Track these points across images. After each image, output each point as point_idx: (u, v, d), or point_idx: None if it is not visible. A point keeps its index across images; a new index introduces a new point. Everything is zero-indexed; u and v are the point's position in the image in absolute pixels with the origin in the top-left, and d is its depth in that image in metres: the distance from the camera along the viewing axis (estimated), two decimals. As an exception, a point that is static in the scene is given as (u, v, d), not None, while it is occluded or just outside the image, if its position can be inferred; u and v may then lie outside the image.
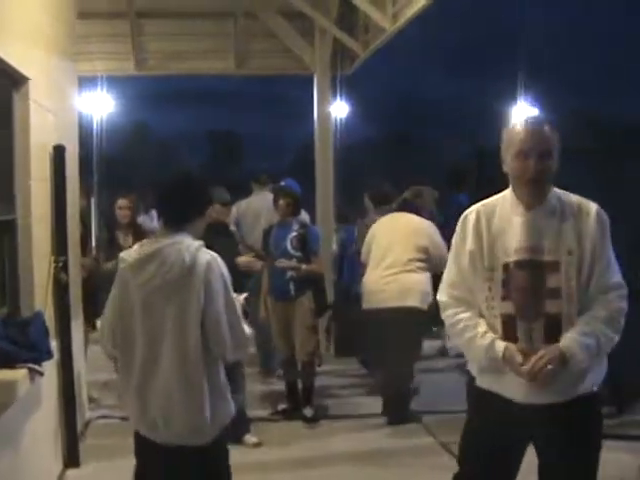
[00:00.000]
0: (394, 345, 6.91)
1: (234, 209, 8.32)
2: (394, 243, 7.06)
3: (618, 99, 51.36)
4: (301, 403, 7.15)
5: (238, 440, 6.24)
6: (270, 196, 7.68)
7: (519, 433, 3.30)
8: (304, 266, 6.98)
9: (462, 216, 3.40)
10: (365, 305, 7.18)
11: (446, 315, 3.36)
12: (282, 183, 8.34)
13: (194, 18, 10.47)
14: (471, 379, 3.49)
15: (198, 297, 3.53)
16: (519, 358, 3.11)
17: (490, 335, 3.18)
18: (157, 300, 3.58)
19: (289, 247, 6.99)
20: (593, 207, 3.26)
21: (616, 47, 60.52)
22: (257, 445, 6.38)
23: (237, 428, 6.22)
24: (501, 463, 3.35)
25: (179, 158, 48.89)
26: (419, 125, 52.15)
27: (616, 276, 3.29)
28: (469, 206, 3.49)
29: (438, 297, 3.44)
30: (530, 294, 3.14)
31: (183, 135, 50.85)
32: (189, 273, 3.54)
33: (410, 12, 7.80)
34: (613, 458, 5.66)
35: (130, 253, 3.70)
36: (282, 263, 6.92)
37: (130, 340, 3.65)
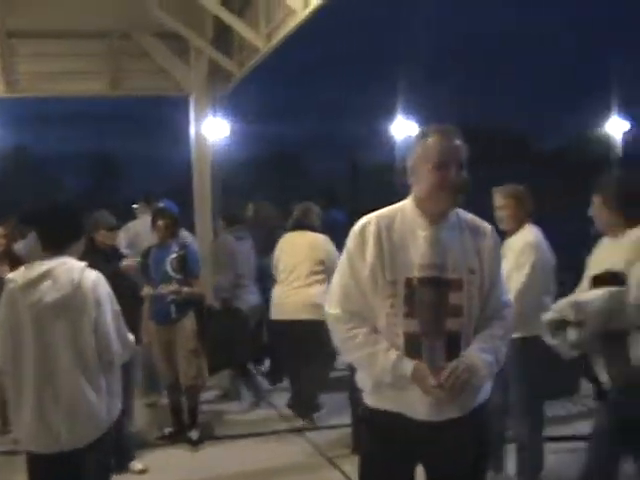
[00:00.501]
0: (299, 357, 7.39)
1: (121, 233, 8.17)
2: (296, 259, 7.50)
3: (487, 108, 53.19)
4: (186, 426, 7.07)
5: (124, 467, 6.12)
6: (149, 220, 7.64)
7: (414, 453, 3.25)
8: (185, 289, 6.91)
9: (358, 226, 3.19)
10: (272, 317, 7.73)
11: (339, 329, 3.18)
12: (160, 204, 8.26)
13: (67, 38, 10.25)
14: (360, 400, 3.35)
15: (89, 312, 3.94)
16: (430, 376, 3.05)
17: (394, 352, 3.08)
18: (49, 318, 3.90)
19: (169, 269, 6.91)
20: (488, 226, 3.30)
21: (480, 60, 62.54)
22: (142, 472, 6.27)
23: (122, 456, 6.12)
24: None
25: (59, 182, 47.68)
26: (300, 144, 52.57)
27: (507, 294, 3.41)
28: (347, 220, 3.46)
29: (327, 309, 3.23)
30: (434, 312, 3.09)
31: (63, 158, 49.60)
32: (78, 291, 3.92)
33: (284, 31, 7.88)
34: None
35: (18, 274, 3.98)
36: (164, 289, 6.83)
37: (19, 359, 3.93)
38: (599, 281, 4.21)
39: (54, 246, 4.07)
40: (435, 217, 3.15)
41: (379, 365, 3.08)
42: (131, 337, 4.27)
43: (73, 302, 3.94)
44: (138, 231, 8.68)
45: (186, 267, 6.95)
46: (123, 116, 46.42)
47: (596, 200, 4.51)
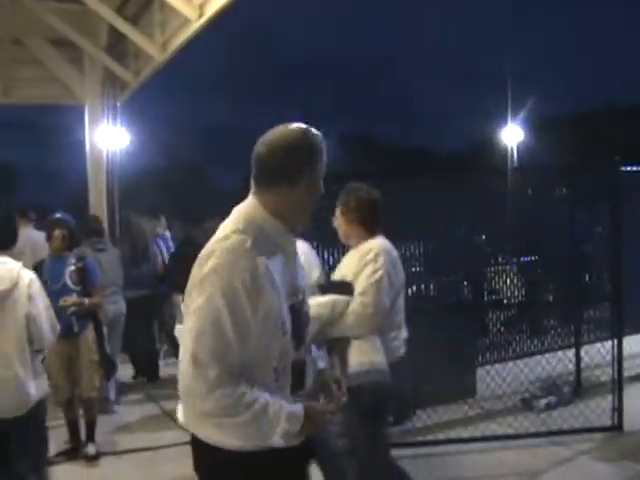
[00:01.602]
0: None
1: None
2: None
3: (393, 123, 54.04)
4: (83, 441, 6.91)
5: None
6: (35, 232, 7.54)
7: None
8: (87, 300, 6.78)
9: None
10: None
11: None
12: (57, 215, 8.09)
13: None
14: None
15: (24, 305, 4.59)
16: (320, 404, 2.73)
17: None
18: None
19: (69, 282, 6.75)
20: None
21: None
22: None
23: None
24: None
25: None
26: (203, 153, 52.26)
27: None
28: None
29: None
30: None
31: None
32: (16, 287, 4.56)
33: (179, 41, 7.85)
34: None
35: None
36: (66, 302, 6.66)
37: None
38: (333, 288, 4.29)
39: None
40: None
41: (273, 420, 2.51)
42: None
43: (12, 296, 4.55)
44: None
45: (86, 278, 6.84)
46: (16, 124, 45.15)
47: (337, 211, 4.49)
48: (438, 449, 6.40)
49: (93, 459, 6.76)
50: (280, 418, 2.49)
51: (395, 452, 6.30)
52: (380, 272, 4.21)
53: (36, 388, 4.68)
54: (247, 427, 2.46)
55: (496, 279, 8.91)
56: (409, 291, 7.74)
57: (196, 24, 7.31)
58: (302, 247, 4.11)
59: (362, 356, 4.12)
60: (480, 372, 7.91)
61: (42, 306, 4.74)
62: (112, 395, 8.24)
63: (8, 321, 4.55)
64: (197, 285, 2.46)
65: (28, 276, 4.70)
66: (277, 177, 2.56)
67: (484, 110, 43.19)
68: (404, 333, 4.55)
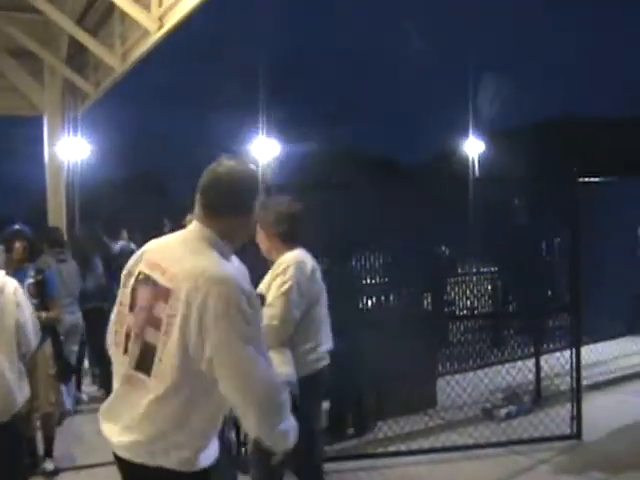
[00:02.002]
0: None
1: None
2: None
3: (359, 132, 54.21)
4: (40, 457, 6.81)
5: None
6: None
7: None
8: (44, 314, 6.67)
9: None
10: None
11: None
12: (16, 226, 8.00)
13: None
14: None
15: (11, 311, 4.69)
16: None
17: None
18: None
19: (26, 294, 6.66)
20: None
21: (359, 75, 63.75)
22: None
23: None
24: None
25: None
26: (161, 164, 51.93)
27: None
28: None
29: None
30: None
31: None
32: (2, 294, 4.67)
33: (139, 52, 7.83)
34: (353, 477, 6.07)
35: None
36: None
37: None
38: None
39: None
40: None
41: None
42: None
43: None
44: None
45: (44, 291, 6.75)
46: (-25, 135, 44.59)
47: (258, 227, 4.46)
48: (399, 460, 6.42)
49: (51, 475, 6.67)
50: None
51: (356, 463, 6.38)
52: (288, 284, 4.25)
53: (21, 394, 4.80)
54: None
55: (456, 290, 8.97)
56: (369, 302, 7.78)
57: (156, 35, 7.31)
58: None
59: None
60: (440, 382, 7.95)
61: (28, 313, 4.91)
62: (69, 405, 8.15)
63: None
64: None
65: (13, 284, 4.83)
66: (232, 207, 2.82)
67: (448, 121, 43.51)
68: (326, 345, 4.51)
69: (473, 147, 32.48)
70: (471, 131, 33.27)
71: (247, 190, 2.84)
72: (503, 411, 7.42)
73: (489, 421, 7.28)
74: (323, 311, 4.50)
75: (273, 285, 4.29)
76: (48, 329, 6.75)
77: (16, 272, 6.67)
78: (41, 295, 6.70)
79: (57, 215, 9.84)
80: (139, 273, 2.81)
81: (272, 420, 2.65)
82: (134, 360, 2.74)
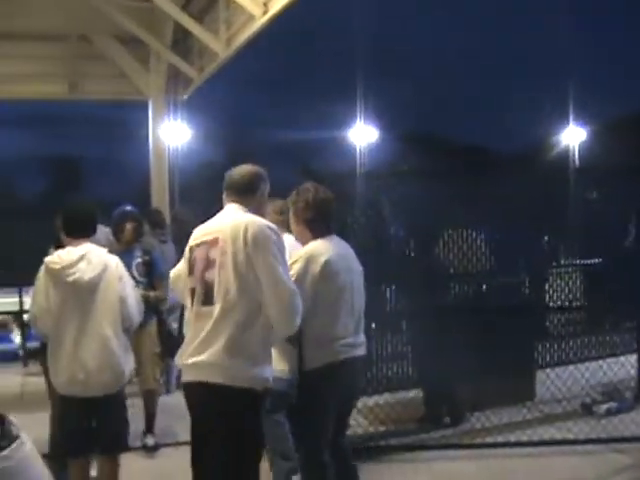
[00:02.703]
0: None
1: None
2: None
3: (455, 119, 53.55)
4: (142, 432, 6.98)
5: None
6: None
7: None
8: (152, 293, 6.81)
9: (276, 231, 3.77)
10: None
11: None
12: (127, 207, 8.13)
13: (26, 40, 10.14)
14: None
15: (115, 286, 4.90)
16: None
17: None
18: (86, 290, 4.78)
19: (135, 274, 6.78)
20: None
21: (450, 66, 63.02)
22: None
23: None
24: None
25: (13, 185, 47.08)
26: (263, 148, 52.49)
27: None
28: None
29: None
30: None
31: (19, 161, 48.85)
32: (107, 269, 4.89)
33: (243, 37, 7.90)
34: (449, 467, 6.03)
35: (57, 258, 4.84)
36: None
37: (62, 322, 4.78)
38: None
39: (82, 236, 4.96)
40: None
41: None
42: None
43: (104, 279, 4.86)
44: None
45: (151, 271, 6.88)
46: (81, 119, 45.92)
47: (291, 213, 4.57)
48: (496, 452, 6.34)
49: (152, 450, 6.83)
50: None
51: (453, 453, 6.34)
52: (292, 279, 4.09)
53: (127, 367, 5.00)
54: None
55: (558, 281, 8.78)
56: (470, 291, 7.69)
57: (260, 20, 7.36)
58: (288, 240, 4.56)
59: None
60: (540, 375, 7.81)
61: (129, 288, 5.08)
62: (173, 380, 8.33)
63: (104, 303, 4.86)
64: None
65: (114, 260, 5.03)
66: (249, 189, 4.00)
67: (546, 110, 42.50)
68: (352, 338, 4.40)
69: (573, 136, 31.62)
70: (571, 119, 32.39)
71: (254, 178, 4.01)
72: (603, 407, 7.24)
73: (588, 417, 7.11)
74: (346, 305, 4.39)
75: None
76: (154, 308, 6.91)
77: (124, 252, 6.83)
78: (148, 275, 6.86)
79: (160, 197, 10.05)
80: (191, 247, 3.92)
81: (297, 317, 3.66)
82: (200, 299, 3.69)
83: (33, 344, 8.44)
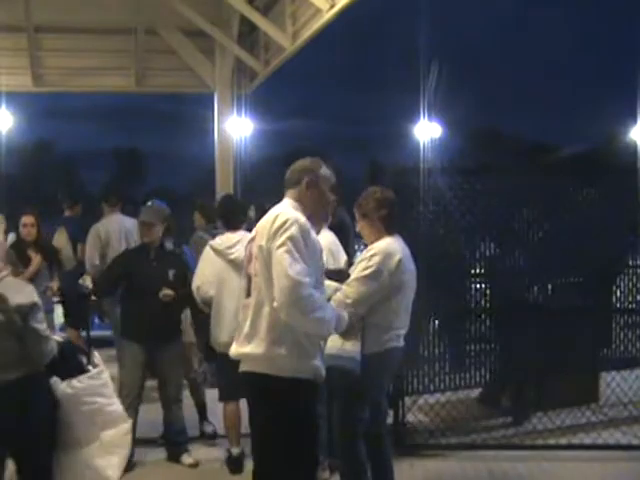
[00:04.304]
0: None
1: (91, 235, 8.16)
2: None
3: (523, 116, 52.86)
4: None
5: (177, 459, 6.09)
6: (121, 218, 7.83)
7: None
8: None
9: (301, 218, 3.71)
10: None
11: (313, 292, 3.63)
12: (149, 203, 8.12)
13: (94, 34, 10.30)
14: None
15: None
16: None
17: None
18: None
19: None
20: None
21: (518, 64, 62.20)
22: (193, 465, 6.23)
23: (177, 447, 6.14)
24: None
25: (82, 176, 48.04)
26: (321, 142, 52.57)
27: None
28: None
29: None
30: None
31: (87, 152, 49.86)
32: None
33: (309, 31, 7.90)
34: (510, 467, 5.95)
35: (220, 242, 5.83)
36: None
37: (222, 294, 5.70)
38: (329, 274, 4.60)
39: (236, 226, 5.85)
40: (322, 226, 4.13)
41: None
42: None
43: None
44: (109, 230, 8.44)
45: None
46: (148, 112, 46.65)
47: (357, 215, 4.91)
48: (558, 454, 6.24)
49: (211, 437, 6.87)
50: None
51: (514, 453, 6.25)
52: (370, 269, 4.60)
53: None
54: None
55: (625, 282, 8.58)
56: (535, 289, 7.57)
57: (327, 14, 7.34)
58: (329, 237, 5.48)
59: (334, 341, 4.50)
60: (605, 377, 7.64)
61: None
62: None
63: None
64: None
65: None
66: (292, 182, 4.02)
67: (615, 108, 41.71)
68: (400, 330, 4.77)
69: (641, 132, 30.91)
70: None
71: (298, 170, 3.98)
72: (670, 412, 7.07)
73: (655, 422, 6.95)
74: (405, 300, 4.76)
75: (357, 267, 4.70)
76: (188, 300, 6.94)
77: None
78: None
79: (225, 190, 10.07)
80: (248, 242, 3.99)
81: (298, 306, 3.53)
82: (244, 292, 3.87)
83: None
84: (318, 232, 3.96)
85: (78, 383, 4.52)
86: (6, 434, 4.17)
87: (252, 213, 9.02)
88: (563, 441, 6.40)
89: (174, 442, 6.17)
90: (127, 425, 4.82)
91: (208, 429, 6.94)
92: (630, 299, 8.23)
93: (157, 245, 6.26)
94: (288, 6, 8.56)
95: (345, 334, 4.45)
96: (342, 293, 4.58)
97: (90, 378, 4.58)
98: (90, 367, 4.68)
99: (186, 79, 10.75)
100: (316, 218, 3.89)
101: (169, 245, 6.94)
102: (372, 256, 4.63)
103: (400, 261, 4.64)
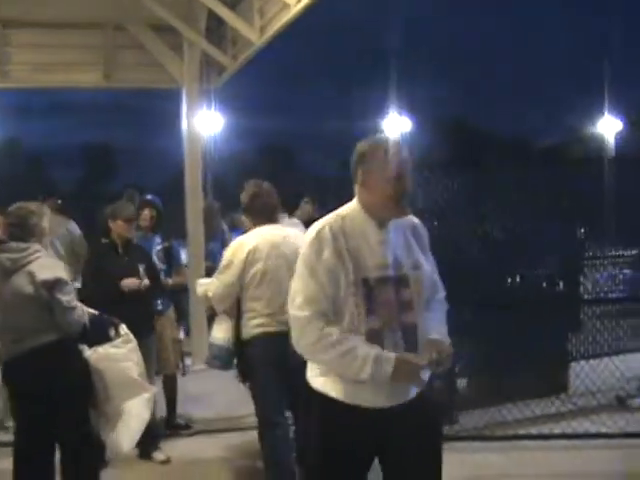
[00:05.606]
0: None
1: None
2: None
3: (490, 111, 53.19)
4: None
5: (148, 456, 6.16)
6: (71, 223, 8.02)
7: (372, 444, 3.30)
8: (170, 280, 6.94)
9: (313, 231, 3.29)
10: None
11: (310, 328, 3.18)
12: (148, 196, 8.32)
13: (61, 29, 10.18)
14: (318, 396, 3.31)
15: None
16: (414, 358, 3.16)
17: (372, 346, 3.14)
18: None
19: (156, 260, 6.91)
20: (418, 220, 3.49)
21: (485, 58, 62.56)
22: (165, 462, 6.24)
23: (150, 443, 6.14)
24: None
25: (51, 173, 47.60)
26: (292, 138, 52.53)
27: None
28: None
29: (295, 312, 3.23)
30: (391, 307, 3.23)
31: (56, 149, 49.33)
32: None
33: (277, 25, 7.89)
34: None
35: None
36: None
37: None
38: None
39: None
40: (386, 221, 3.31)
41: (359, 359, 3.11)
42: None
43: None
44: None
45: (172, 259, 7.07)
46: (116, 108, 46.24)
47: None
48: (528, 444, 6.31)
49: (186, 429, 6.94)
50: (368, 359, 3.09)
51: (485, 444, 6.31)
52: (222, 263, 5.23)
53: None
54: (336, 362, 3.17)
55: (593, 272, 8.68)
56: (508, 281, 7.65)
57: (295, 9, 7.34)
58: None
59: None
60: (574, 367, 7.73)
61: None
62: (188, 361, 8.59)
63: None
64: None
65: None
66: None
67: (581, 101, 42.09)
68: (276, 316, 4.97)
69: (609, 127, 31.27)
70: (607, 109, 32.06)
71: (353, 162, 3.35)
72: (638, 400, 7.17)
73: (623, 410, 7.04)
74: (274, 285, 5.05)
75: None
76: (173, 294, 7.03)
77: (142, 239, 6.91)
78: (168, 262, 7.00)
79: (194, 187, 10.04)
80: None
81: (302, 332, 3.20)
82: None
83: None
84: None
85: (102, 350, 4.96)
86: (40, 392, 4.74)
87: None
88: (533, 431, 6.48)
89: (145, 439, 6.17)
90: (148, 395, 5.14)
91: (182, 421, 6.99)
92: (597, 290, 8.34)
93: (125, 240, 6.27)
94: (256, 0, 8.54)
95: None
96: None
97: (114, 347, 5.00)
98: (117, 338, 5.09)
99: (155, 74, 10.66)
100: None
101: (158, 240, 7.06)
102: (226, 250, 5.28)
103: (253, 250, 5.09)
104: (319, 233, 3.27)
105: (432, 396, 3.52)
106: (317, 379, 3.33)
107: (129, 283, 6.03)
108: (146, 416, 5.11)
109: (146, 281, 6.10)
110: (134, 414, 5.01)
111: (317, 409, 3.35)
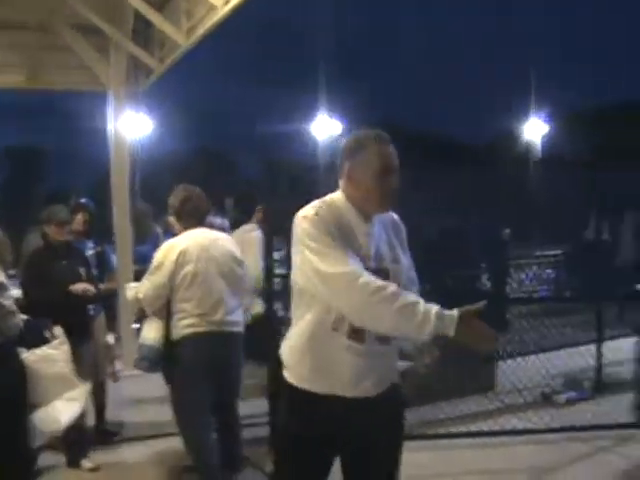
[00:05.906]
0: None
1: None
2: None
3: (420, 113, 53.75)
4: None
5: (76, 464, 6.02)
6: None
7: (339, 433, 3.28)
8: (102, 286, 6.83)
9: (312, 211, 3.16)
10: None
11: (362, 282, 2.97)
12: (82, 200, 8.17)
13: (-16, 29, 9.96)
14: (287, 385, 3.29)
15: None
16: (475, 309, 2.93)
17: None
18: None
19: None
20: (397, 216, 3.48)
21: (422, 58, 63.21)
22: (94, 470, 6.13)
23: (79, 451, 6.04)
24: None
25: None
26: (221, 140, 52.32)
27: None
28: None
29: (335, 270, 3.02)
30: None
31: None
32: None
33: (204, 27, 7.84)
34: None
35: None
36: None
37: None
38: None
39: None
40: (370, 216, 3.27)
41: (420, 315, 2.89)
42: None
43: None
44: None
45: (104, 263, 6.97)
46: (44, 111, 45.40)
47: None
48: (458, 442, 6.39)
49: (114, 435, 6.84)
50: (430, 315, 2.87)
51: (414, 444, 6.35)
52: (152, 265, 5.20)
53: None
54: (396, 318, 2.93)
55: (518, 272, 8.87)
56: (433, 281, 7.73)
57: (222, 11, 7.30)
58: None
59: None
60: (501, 365, 7.87)
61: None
62: (119, 365, 8.39)
63: None
64: None
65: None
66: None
67: (510, 104, 42.88)
68: (211, 316, 5.14)
69: (535, 129, 31.94)
70: (532, 113, 32.74)
71: (340, 156, 3.31)
72: (563, 396, 7.34)
73: (549, 406, 7.20)
74: (204, 287, 5.13)
75: None
76: (103, 299, 6.94)
77: (75, 243, 6.80)
78: (100, 266, 6.90)
79: (120, 190, 9.90)
80: None
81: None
82: None
83: None
84: None
85: (39, 351, 5.10)
86: None
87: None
88: (463, 429, 6.56)
89: (74, 447, 6.08)
90: (85, 387, 5.39)
91: (109, 429, 6.89)
92: (523, 289, 8.52)
93: (63, 244, 6.21)
94: (182, 2, 8.48)
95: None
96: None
97: (51, 348, 5.18)
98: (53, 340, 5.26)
99: (81, 77, 10.48)
100: None
101: (90, 244, 6.96)
102: (157, 252, 5.27)
103: (184, 251, 5.11)
104: (317, 213, 3.16)
105: (401, 389, 3.47)
106: (285, 370, 3.31)
107: (78, 288, 5.98)
108: (82, 403, 5.33)
109: (93, 287, 6.10)
110: (68, 399, 5.19)
111: (285, 398, 3.35)
